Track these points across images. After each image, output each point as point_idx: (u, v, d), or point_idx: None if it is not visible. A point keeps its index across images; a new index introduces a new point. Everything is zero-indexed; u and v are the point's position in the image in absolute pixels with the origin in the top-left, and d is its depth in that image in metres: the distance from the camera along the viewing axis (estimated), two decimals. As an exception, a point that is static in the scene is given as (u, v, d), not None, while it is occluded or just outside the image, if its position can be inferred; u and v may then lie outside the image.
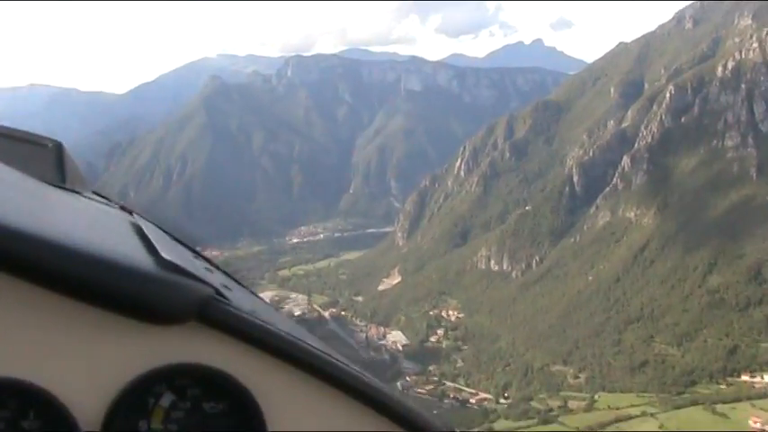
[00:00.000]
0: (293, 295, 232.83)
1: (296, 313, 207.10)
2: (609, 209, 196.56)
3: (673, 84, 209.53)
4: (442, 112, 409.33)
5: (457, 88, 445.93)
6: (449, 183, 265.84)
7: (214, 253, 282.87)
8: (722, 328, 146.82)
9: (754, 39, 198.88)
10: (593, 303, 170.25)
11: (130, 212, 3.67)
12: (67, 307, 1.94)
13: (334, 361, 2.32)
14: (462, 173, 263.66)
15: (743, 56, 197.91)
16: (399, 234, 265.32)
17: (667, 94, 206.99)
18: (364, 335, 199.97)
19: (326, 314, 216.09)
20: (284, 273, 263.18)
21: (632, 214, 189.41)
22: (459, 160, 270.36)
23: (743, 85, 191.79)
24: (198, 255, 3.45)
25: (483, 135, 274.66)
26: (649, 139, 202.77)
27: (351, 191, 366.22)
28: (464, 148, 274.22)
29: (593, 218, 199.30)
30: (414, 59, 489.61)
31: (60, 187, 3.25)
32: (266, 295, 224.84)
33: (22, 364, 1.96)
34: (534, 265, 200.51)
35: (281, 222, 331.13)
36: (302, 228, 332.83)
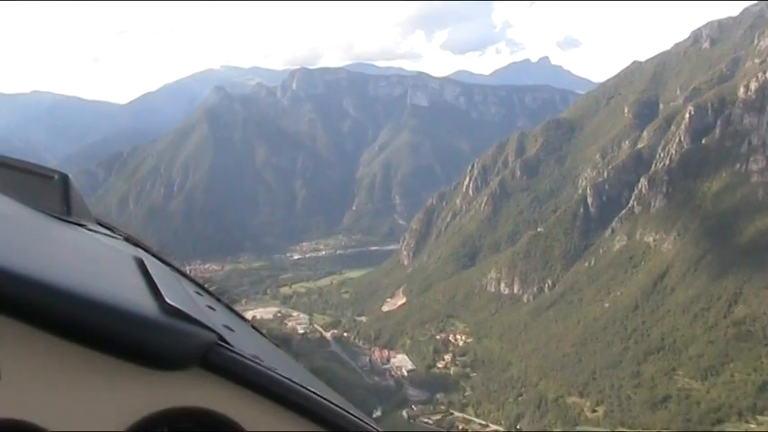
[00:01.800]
0: (295, 313, 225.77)
1: (299, 332, 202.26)
2: (625, 232, 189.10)
3: (692, 104, 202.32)
4: (449, 128, 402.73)
5: (464, 105, 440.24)
6: (457, 201, 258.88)
7: (215, 267, 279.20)
8: (750, 362, 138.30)
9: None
10: (611, 332, 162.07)
11: (136, 244, 3.66)
12: (71, 351, 1.96)
13: (336, 409, 2.32)
14: (471, 191, 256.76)
15: (767, 76, 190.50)
16: (404, 253, 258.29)
17: (687, 115, 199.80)
18: (368, 358, 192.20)
19: (328, 335, 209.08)
20: (286, 289, 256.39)
21: (651, 239, 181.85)
22: (467, 178, 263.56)
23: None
24: (201, 288, 3.42)
25: (493, 152, 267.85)
26: (668, 161, 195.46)
27: (354, 207, 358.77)
28: (473, 165, 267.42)
29: (609, 241, 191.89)
30: (420, 75, 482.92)
31: (65, 220, 3.28)
32: (268, 311, 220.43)
33: (25, 407, 1.97)
34: (547, 289, 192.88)
35: (283, 237, 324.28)
36: (304, 243, 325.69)
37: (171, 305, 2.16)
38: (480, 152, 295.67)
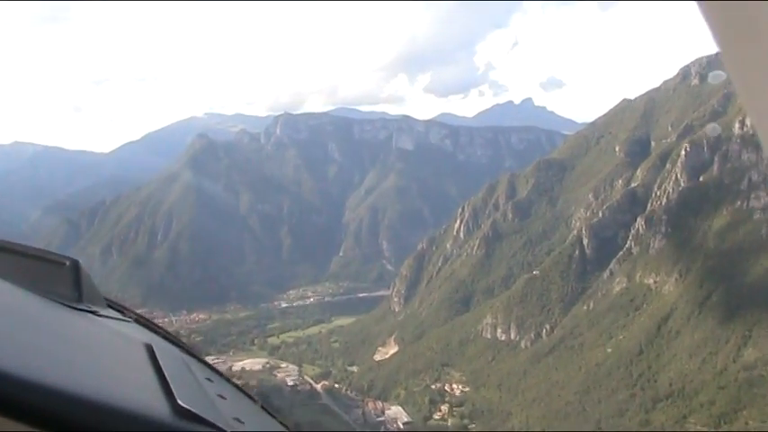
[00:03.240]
0: (284, 365, 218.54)
1: (289, 384, 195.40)
2: (625, 274, 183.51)
3: (687, 141, 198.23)
4: (436, 171, 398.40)
5: (450, 147, 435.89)
6: (447, 245, 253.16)
7: (202, 316, 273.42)
8: (764, 408, 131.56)
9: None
10: (615, 378, 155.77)
11: (146, 325, 3.65)
12: None
13: None
14: (462, 234, 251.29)
15: None
16: (395, 299, 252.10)
17: (682, 152, 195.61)
18: (360, 410, 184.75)
19: (319, 387, 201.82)
20: (274, 339, 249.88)
21: (651, 280, 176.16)
22: (458, 221, 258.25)
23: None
24: (211, 370, 3.45)
25: (483, 195, 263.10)
26: (665, 200, 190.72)
27: (341, 253, 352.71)
28: (463, 208, 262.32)
29: (608, 284, 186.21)
30: (405, 118, 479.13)
31: (76, 308, 3.21)
32: (257, 362, 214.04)
33: None
34: (545, 334, 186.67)
35: (269, 285, 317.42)
36: (291, 291, 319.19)
37: (183, 407, 2.14)
38: (468, 194, 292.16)
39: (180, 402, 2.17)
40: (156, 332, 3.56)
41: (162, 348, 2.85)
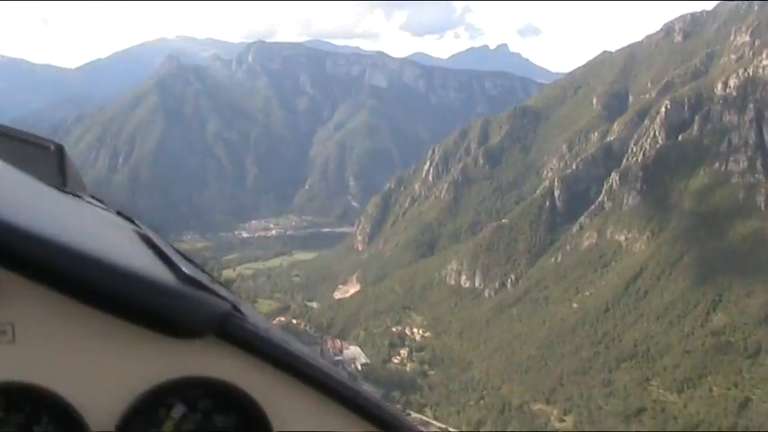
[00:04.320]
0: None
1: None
2: (595, 229, 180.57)
3: (668, 99, 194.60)
4: (407, 111, 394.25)
5: (423, 88, 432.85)
6: (416, 187, 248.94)
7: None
8: (730, 375, 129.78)
9: (765, 55, 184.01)
10: (579, 335, 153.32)
11: (129, 219, 3.73)
12: (87, 315, 2.00)
13: (340, 378, 2.28)
14: (431, 177, 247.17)
15: (750, 73, 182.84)
16: (359, 237, 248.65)
17: (662, 109, 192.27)
18: (319, 348, 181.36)
19: (275, 322, 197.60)
20: (229, 273, 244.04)
21: (622, 237, 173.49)
22: (427, 163, 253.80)
23: (751, 105, 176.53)
24: (204, 271, 3.47)
25: (455, 138, 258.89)
26: (641, 157, 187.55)
27: (307, 186, 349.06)
28: (434, 150, 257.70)
29: (577, 237, 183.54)
30: (379, 54, 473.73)
31: (62, 190, 3.25)
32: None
33: (38, 370, 2.04)
34: (509, 284, 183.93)
35: (231, 214, 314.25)
36: (253, 222, 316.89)
37: (187, 274, 2.21)
38: (439, 137, 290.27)
39: (184, 269, 2.25)
40: (138, 227, 3.51)
41: (156, 237, 2.97)
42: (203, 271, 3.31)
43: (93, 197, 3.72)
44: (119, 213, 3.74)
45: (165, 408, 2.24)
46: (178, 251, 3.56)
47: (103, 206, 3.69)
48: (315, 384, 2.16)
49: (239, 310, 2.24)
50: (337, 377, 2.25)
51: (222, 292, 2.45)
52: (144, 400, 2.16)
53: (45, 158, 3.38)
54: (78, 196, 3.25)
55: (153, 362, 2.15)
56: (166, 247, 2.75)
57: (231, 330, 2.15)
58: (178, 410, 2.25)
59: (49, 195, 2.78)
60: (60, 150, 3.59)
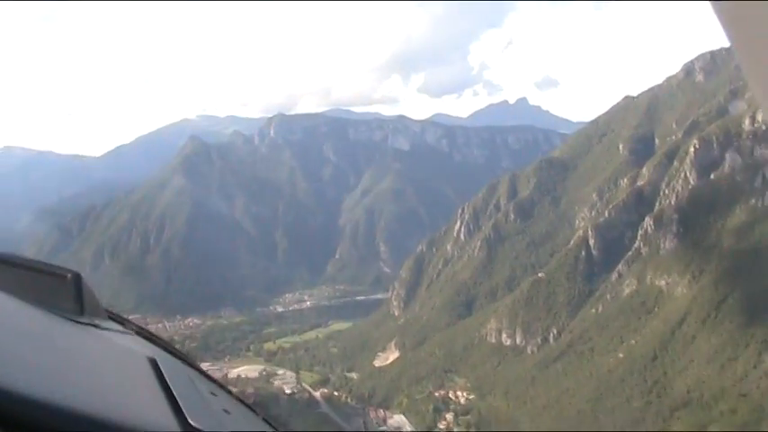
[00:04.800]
0: (280, 371, 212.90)
1: (286, 392, 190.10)
2: (634, 276, 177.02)
3: (696, 138, 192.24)
4: (432, 171, 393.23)
5: (446, 147, 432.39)
6: (448, 247, 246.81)
7: (196, 321, 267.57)
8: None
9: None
10: (628, 385, 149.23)
11: (147, 338, 3.64)
12: None
13: None
14: (463, 236, 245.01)
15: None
16: (395, 303, 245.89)
17: (691, 149, 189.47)
18: (362, 419, 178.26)
19: (317, 394, 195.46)
20: (270, 345, 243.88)
21: (663, 282, 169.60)
22: (458, 222, 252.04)
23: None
24: (214, 383, 3.50)
25: (483, 195, 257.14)
26: (674, 199, 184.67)
27: (338, 255, 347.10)
28: (463, 209, 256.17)
29: (617, 286, 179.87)
30: (401, 118, 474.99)
31: (77, 321, 3.10)
32: (253, 369, 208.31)
33: None
34: (552, 338, 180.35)
35: (265, 289, 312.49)
36: (287, 295, 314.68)
37: (195, 427, 2.13)
38: (466, 195, 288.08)
39: (191, 422, 2.15)
40: (157, 344, 3.54)
41: (165, 362, 2.86)
42: (224, 389, 3.34)
43: (111, 317, 3.53)
44: (138, 332, 3.61)
45: None
46: (198, 369, 3.44)
47: (122, 329, 3.52)
48: None
49: None
50: None
51: (227, 426, 2.33)
52: None
53: (62, 288, 3.23)
54: (95, 325, 3.17)
55: None
56: (179, 379, 2.66)
57: None
58: None
59: (57, 334, 2.66)
60: (77, 278, 3.34)
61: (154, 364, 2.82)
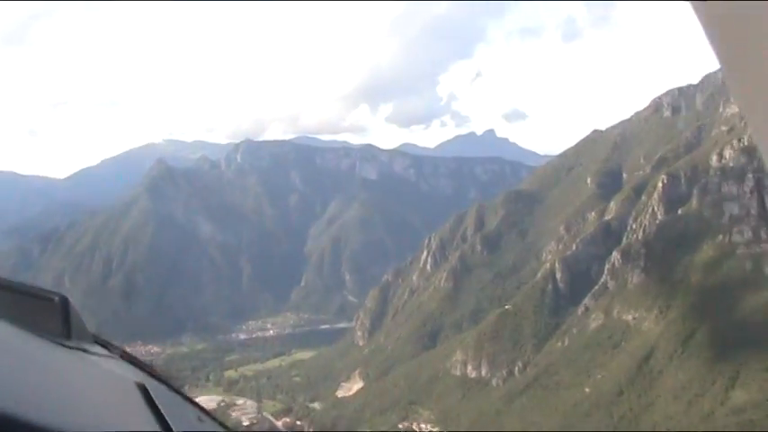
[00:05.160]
0: (240, 401, 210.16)
1: (244, 423, 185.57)
2: (601, 310, 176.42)
3: (664, 173, 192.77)
4: (400, 201, 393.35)
5: (414, 177, 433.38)
6: (414, 277, 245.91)
7: (156, 350, 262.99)
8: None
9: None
10: (595, 420, 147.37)
11: (132, 362, 3.63)
12: None
13: None
14: (429, 267, 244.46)
15: (746, 142, 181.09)
16: (359, 332, 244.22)
17: (659, 184, 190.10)
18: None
19: (279, 424, 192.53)
20: (231, 373, 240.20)
21: (630, 317, 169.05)
22: (425, 252, 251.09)
23: (749, 175, 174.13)
24: (199, 409, 3.53)
25: (451, 226, 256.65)
26: (641, 234, 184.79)
27: (302, 283, 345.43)
28: (430, 239, 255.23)
29: (583, 319, 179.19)
30: (368, 147, 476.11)
31: (64, 345, 3.07)
32: (211, 399, 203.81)
33: None
34: (517, 371, 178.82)
35: (228, 316, 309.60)
36: (251, 322, 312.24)
37: None
38: (433, 225, 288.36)
39: None
40: (142, 369, 3.53)
41: (152, 387, 2.89)
42: (208, 415, 3.33)
43: (97, 341, 3.52)
44: (122, 356, 3.61)
45: None
46: (183, 395, 3.42)
47: (108, 353, 3.50)
48: None
49: None
50: None
51: None
52: None
53: (49, 311, 3.25)
54: (82, 349, 3.16)
55: None
56: (167, 404, 2.67)
57: None
58: None
59: (45, 358, 2.66)
60: (64, 302, 3.34)
61: (143, 389, 2.83)
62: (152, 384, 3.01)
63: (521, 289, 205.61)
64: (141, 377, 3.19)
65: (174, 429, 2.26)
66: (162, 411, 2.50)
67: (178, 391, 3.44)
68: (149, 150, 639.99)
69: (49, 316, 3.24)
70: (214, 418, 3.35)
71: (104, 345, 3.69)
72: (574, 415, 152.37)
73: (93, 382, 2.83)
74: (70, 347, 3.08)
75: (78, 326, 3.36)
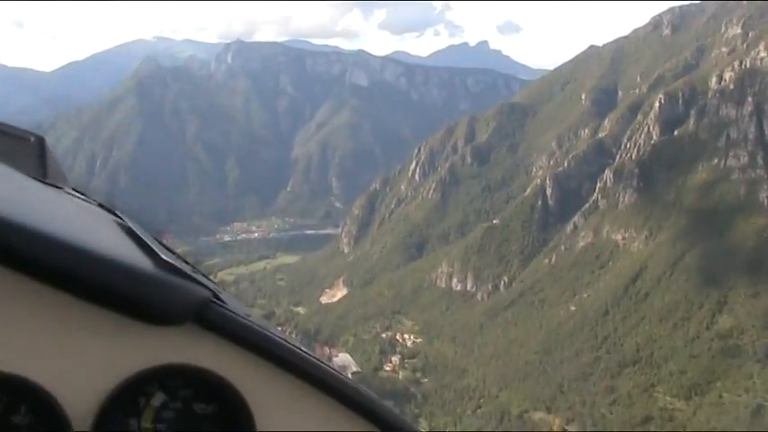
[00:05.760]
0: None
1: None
2: (590, 228, 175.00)
3: (662, 93, 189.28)
4: (390, 109, 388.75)
5: (405, 85, 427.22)
6: (402, 187, 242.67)
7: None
8: (740, 381, 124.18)
9: (762, 47, 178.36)
10: (578, 339, 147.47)
11: (110, 211, 3.71)
12: (65, 303, 1.97)
13: (324, 366, 2.30)
14: (417, 177, 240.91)
15: (747, 65, 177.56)
16: (345, 240, 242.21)
17: (656, 104, 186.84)
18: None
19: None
20: (222, 275, 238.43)
21: (619, 237, 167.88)
22: (414, 162, 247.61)
23: (749, 98, 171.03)
24: (185, 261, 3.50)
25: (441, 137, 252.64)
26: (635, 153, 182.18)
27: (289, 188, 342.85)
28: (419, 149, 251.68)
29: (572, 237, 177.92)
30: (360, 53, 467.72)
31: (42, 182, 3.19)
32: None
33: (16, 359, 2.00)
34: (503, 287, 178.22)
35: (213, 218, 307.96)
36: (236, 224, 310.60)
37: (166, 261, 2.20)
38: (422, 135, 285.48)
39: (163, 257, 2.24)
40: (120, 218, 3.52)
41: (137, 227, 2.99)
42: (185, 261, 3.32)
43: (74, 189, 3.67)
44: (100, 205, 3.70)
45: (145, 396, 2.23)
46: (159, 241, 3.34)
47: (84, 197, 3.66)
48: (297, 372, 2.19)
49: (220, 298, 2.25)
50: (322, 365, 2.27)
51: (203, 280, 2.42)
52: (123, 388, 2.15)
53: (25, 150, 3.38)
54: (59, 188, 3.25)
55: (132, 350, 2.14)
56: (147, 237, 2.74)
57: (211, 318, 2.16)
58: (158, 399, 2.24)
59: (28, 186, 2.77)
60: (41, 142, 3.59)
61: (123, 223, 2.99)
62: (138, 228, 3.04)
63: (509, 204, 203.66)
64: (118, 220, 3.29)
65: (152, 246, 2.39)
66: (142, 237, 2.60)
67: (158, 241, 3.26)
68: (139, 47, 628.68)
69: (26, 155, 3.36)
70: (187, 263, 3.27)
71: (82, 193, 3.91)
72: (558, 333, 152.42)
73: (75, 210, 2.91)
74: (47, 183, 3.17)
75: (54, 168, 3.53)
